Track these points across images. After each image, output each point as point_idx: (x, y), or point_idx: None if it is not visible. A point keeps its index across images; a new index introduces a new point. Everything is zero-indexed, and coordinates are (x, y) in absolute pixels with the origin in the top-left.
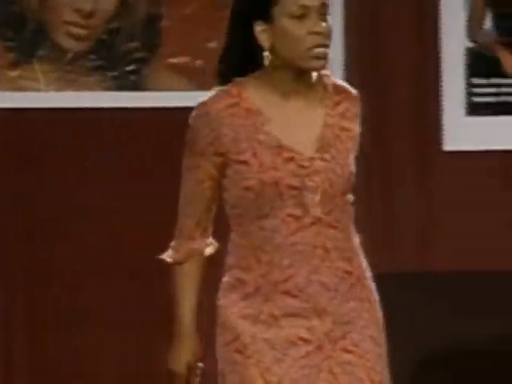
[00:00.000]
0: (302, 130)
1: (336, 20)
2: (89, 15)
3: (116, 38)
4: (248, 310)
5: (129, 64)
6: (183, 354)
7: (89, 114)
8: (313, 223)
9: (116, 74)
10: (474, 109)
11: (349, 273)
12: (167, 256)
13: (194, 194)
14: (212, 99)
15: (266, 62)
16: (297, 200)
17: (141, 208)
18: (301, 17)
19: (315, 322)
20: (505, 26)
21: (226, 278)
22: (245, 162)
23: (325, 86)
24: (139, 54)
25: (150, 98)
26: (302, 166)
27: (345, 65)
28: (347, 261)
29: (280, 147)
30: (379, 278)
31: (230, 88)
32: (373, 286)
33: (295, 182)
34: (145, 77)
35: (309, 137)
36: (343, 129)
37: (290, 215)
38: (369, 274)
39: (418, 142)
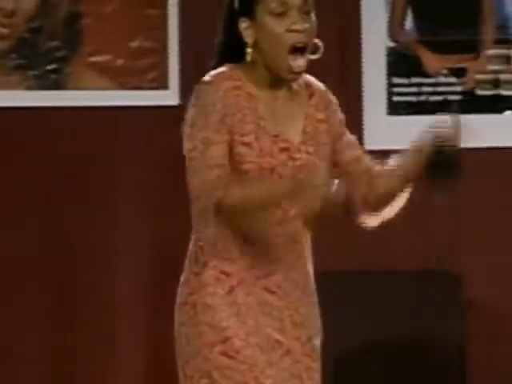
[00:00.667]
0: (289, 121)
1: None
2: (10, 14)
3: (37, 36)
4: (235, 306)
5: (50, 63)
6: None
7: (10, 113)
8: (296, 217)
9: (37, 73)
10: (395, 108)
11: (308, 274)
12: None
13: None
14: (217, 78)
15: (248, 58)
16: None
17: (62, 210)
18: (281, 14)
19: (287, 324)
20: (425, 25)
21: (208, 271)
22: (248, 145)
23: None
24: (60, 53)
25: (72, 97)
26: (293, 158)
27: None
28: (310, 260)
29: (276, 136)
30: None
31: (230, 71)
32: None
33: (286, 172)
34: (66, 76)
35: (295, 129)
36: (319, 121)
37: (279, 206)
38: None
39: None
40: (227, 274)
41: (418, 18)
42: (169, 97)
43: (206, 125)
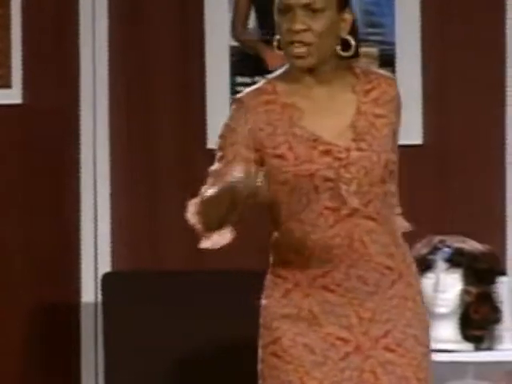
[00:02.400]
0: (335, 120)
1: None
2: None
3: None
4: (288, 308)
5: None
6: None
7: None
8: (350, 215)
9: None
10: None
11: (390, 268)
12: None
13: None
14: (248, 96)
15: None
16: (333, 192)
17: None
18: (284, 12)
19: (353, 320)
20: (268, 24)
21: (268, 276)
22: (281, 156)
23: (355, 74)
24: None
25: None
26: (338, 158)
27: (109, 63)
28: (388, 256)
29: (316, 140)
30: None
31: (265, 85)
32: (419, 283)
33: (330, 174)
34: None
35: (343, 126)
36: (377, 116)
37: (327, 208)
38: (414, 270)
39: (183, 140)
40: (283, 278)
41: (261, 18)
42: (12, 95)
43: (227, 140)
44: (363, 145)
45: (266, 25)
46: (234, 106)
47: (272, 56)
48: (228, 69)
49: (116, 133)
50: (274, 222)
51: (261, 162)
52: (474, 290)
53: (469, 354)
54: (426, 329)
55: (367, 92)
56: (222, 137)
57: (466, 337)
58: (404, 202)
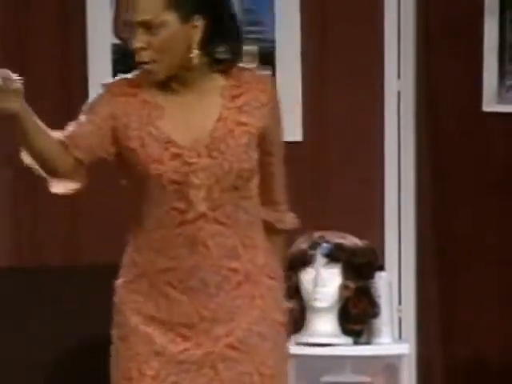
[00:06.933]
0: (195, 124)
1: None
2: None
3: None
4: (135, 295)
5: None
6: None
7: None
8: (196, 218)
9: None
10: None
11: (235, 270)
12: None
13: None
14: (114, 83)
15: None
16: (181, 194)
17: None
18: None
19: (195, 319)
20: None
21: (124, 255)
22: (133, 150)
23: (228, 78)
24: None
25: None
26: (188, 163)
27: None
28: (234, 258)
29: (168, 143)
30: None
31: (133, 77)
32: (272, 282)
33: (178, 178)
34: None
35: (201, 132)
36: (239, 123)
37: (174, 208)
38: (269, 270)
39: None
40: (134, 263)
41: None
42: None
43: (92, 108)
44: (215, 153)
45: None
46: (100, 91)
47: None
48: (110, 66)
49: None
50: (131, 207)
51: (117, 147)
52: (352, 284)
53: (347, 348)
54: (275, 325)
55: (234, 97)
56: (81, 112)
57: (345, 331)
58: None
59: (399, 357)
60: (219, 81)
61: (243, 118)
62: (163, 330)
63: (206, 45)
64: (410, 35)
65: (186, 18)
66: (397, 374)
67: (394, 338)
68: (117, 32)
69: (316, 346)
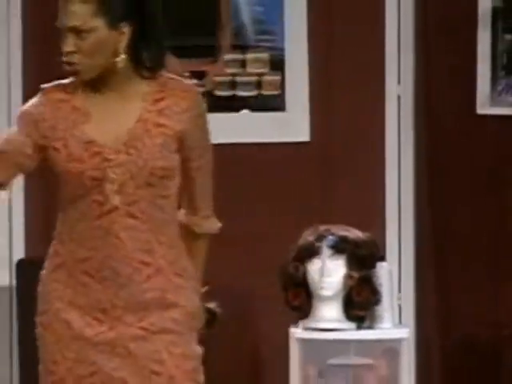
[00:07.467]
0: (117, 125)
1: None
2: None
3: None
4: (56, 284)
5: None
6: None
7: None
8: (110, 211)
9: None
10: None
11: (146, 263)
12: None
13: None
14: (49, 89)
15: None
16: (100, 189)
17: None
18: (62, 33)
19: (107, 306)
20: (168, 31)
21: (51, 244)
22: (57, 150)
23: (153, 84)
24: None
25: None
26: (107, 159)
27: None
28: (146, 252)
29: (90, 143)
30: None
31: (68, 84)
32: (181, 280)
33: (97, 174)
34: None
35: (121, 132)
36: (158, 125)
37: (94, 201)
38: (177, 268)
39: None
40: (56, 253)
41: None
42: None
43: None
44: (132, 150)
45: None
46: (38, 95)
47: (171, 61)
48: None
49: None
50: (58, 203)
51: (45, 149)
52: (356, 274)
53: (351, 333)
54: (188, 314)
55: (157, 101)
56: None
57: (349, 317)
58: (294, 194)
59: (399, 340)
60: (143, 86)
61: (162, 120)
62: (80, 314)
63: (133, 51)
64: (409, 45)
65: (113, 24)
66: (397, 356)
67: (395, 323)
68: None
69: (322, 330)
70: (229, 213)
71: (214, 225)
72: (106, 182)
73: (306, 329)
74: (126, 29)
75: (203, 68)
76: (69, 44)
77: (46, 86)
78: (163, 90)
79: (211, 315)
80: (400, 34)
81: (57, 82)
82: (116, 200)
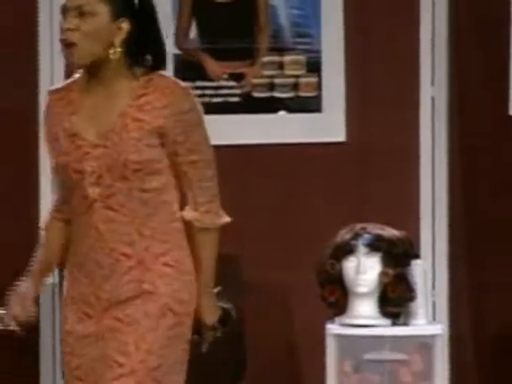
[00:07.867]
0: (100, 119)
1: None
2: None
3: None
4: (65, 280)
5: None
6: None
7: None
8: (91, 203)
9: None
10: None
11: (127, 255)
12: None
13: None
14: (52, 91)
15: None
16: (82, 183)
17: None
18: (63, 14)
19: (92, 299)
20: (207, 35)
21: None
22: (53, 145)
23: (140, 81)
24: None
25: None
26: (86, 152)
27: None
28: (127, 244)
29: (74, 135)
30: None
31: (69, 82)
32: (171, 270)
33: (79, 167)
34: None
35: (103, 125)
36: (136, 119)
37: (80, 195)
38: (169, 259)
39: None
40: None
41: (201, 28)
42: None
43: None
44: (109, 143)
45: (206, 35)
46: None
47: (211, 63)
48: (171, 75)
49: None
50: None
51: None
52: (391, 271)
53: (386, 329)
54: (163, 309)
55: (138, 97)
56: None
57: (384, 313)
58: (330, 194)
59: (433, 336)
60: (131, 82)
61: (140, 115)
62: (74, 308)
63: (129, 48)
64: (443, 47)
65: (114, 16)
66: (431, 352)
67: (429, 320)
68: (178, 43)
69: (358, 326)
70: (268, 211)
71: (215, 220)
72: (85, 175)
73: (342, 325)
74: (125, 25)
75: (241, 70)
76: (69, 22)
77: (51, 87)
78: (147, 86)
79: (226, 315)
80: (434, 35)
81: (60, 84)
82: (95, 192)
